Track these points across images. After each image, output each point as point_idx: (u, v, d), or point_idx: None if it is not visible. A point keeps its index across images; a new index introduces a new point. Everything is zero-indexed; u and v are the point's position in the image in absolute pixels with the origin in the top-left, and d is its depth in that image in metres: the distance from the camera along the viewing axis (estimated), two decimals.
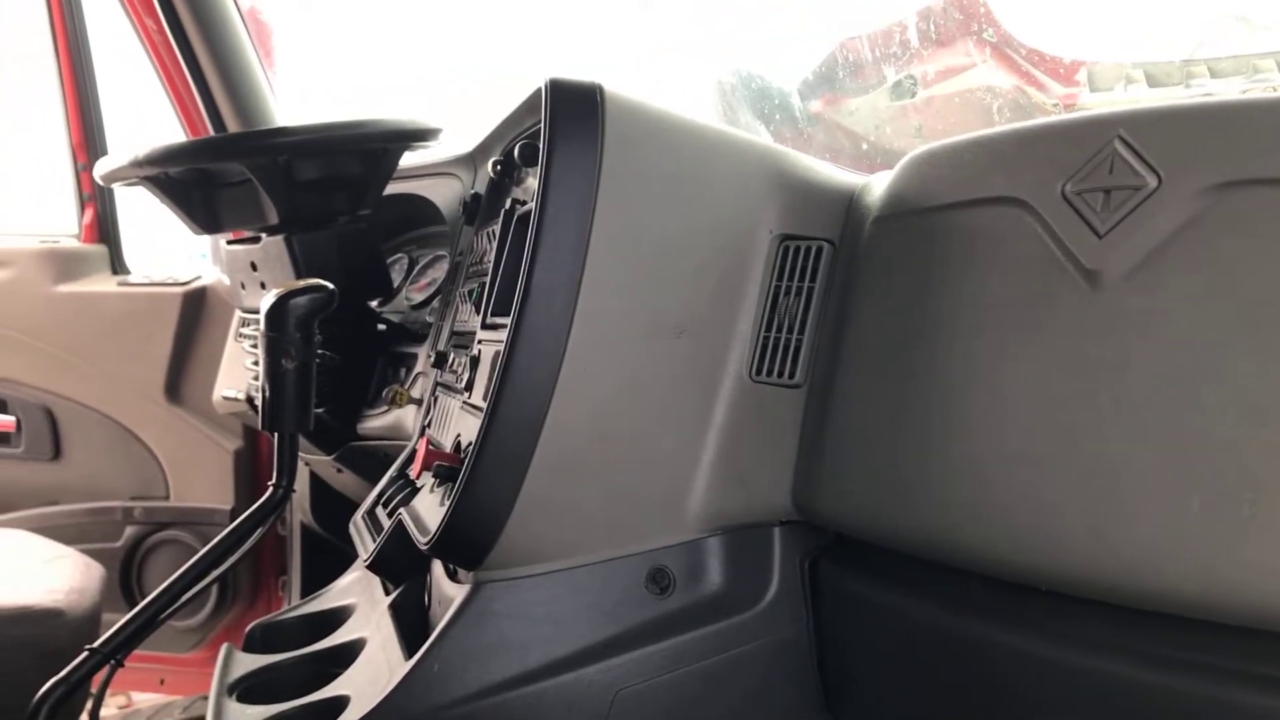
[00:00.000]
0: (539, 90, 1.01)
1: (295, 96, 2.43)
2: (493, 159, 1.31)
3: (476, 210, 1.42)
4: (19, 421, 2.52)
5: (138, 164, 1.49)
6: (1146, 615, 0.73)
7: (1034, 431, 0.78)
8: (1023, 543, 0.78)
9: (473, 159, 1.63)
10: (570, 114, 0.96)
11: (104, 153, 2.51)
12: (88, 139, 2.54)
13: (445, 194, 1.68)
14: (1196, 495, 0.69)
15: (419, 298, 1.71)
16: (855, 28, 1.87)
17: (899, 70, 1.84)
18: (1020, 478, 0.79)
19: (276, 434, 1.16)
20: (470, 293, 1.32)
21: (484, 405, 0.96)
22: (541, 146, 0.95)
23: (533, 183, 1.11)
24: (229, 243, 1.76)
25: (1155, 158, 0.75)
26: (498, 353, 0.97)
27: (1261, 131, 0.72)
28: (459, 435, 1.13)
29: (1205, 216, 0.72)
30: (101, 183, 1.64)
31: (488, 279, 1.18)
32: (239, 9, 2.30)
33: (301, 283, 1.15)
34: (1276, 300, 0.69)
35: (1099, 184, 0.78)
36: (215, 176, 1.57)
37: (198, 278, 2.48)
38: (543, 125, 0.96)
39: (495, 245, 1.19)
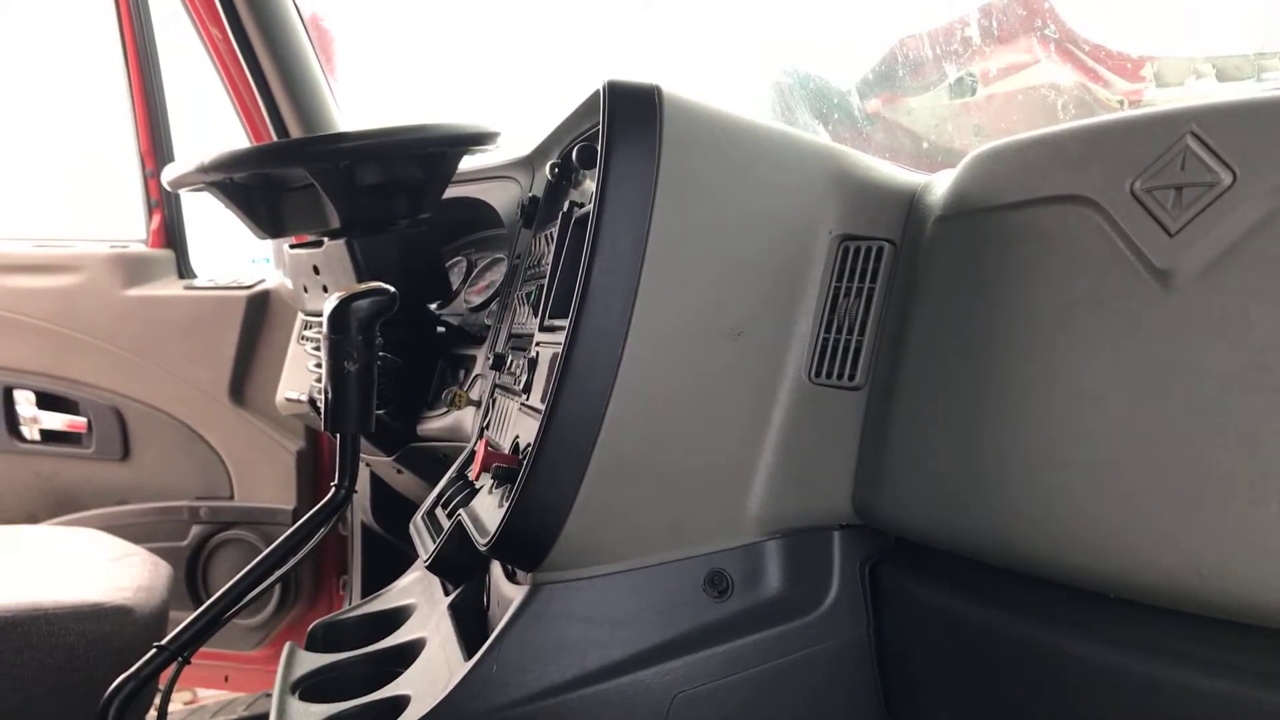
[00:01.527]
0: (596, 93, 1.01)
1: (357, 102, 2.45)
2: (550, 162, 1.32)
3: (534, 213, 1.42)
4: (90, 422, 2.58)
5: (204, 170, 1.52)
6: (1221, 624, 0.71)
7: (1102, 435, 0.77)
8: (1092, 549, 0.77)
9: (530, 162, 1.64)
10: (628, 116, 0.95)
11: (171, 159, 2.57)
12: (155, 146, 2.60)
13: (503, 197, 1.69)
14: (1276, 500, 0.67)
15: (477, 300, 1.72)
16: (915, 25, 1.85)
17: (960, 68, 1.81)
18: (1089, 482, 0.77)
19: (339, 435, 1.17)
20: (528, 295, 1.32)
21: (542, 407, 0.96)
22: (600, 148, 0.95)
23: (590, 185, 1.11)
24: (292, 246, 1.78)
25: (1230, 153, 0.73)
26: (556, 354, 0.98)
27: None
28: (517, 436, 1.13)
29: None
30: (169, 188, 1.67)
31: (546, 281, 1.19)
32: (301, 17, 2.34)
33: (363, 286, 1.16)
34: None
35: (1170, 181, 0.76)
36: (278, 181, 1.59)
37: (261, 281, 2.52)
38: (601, 127, 0.96)
39: (553, 248, 1.20)
